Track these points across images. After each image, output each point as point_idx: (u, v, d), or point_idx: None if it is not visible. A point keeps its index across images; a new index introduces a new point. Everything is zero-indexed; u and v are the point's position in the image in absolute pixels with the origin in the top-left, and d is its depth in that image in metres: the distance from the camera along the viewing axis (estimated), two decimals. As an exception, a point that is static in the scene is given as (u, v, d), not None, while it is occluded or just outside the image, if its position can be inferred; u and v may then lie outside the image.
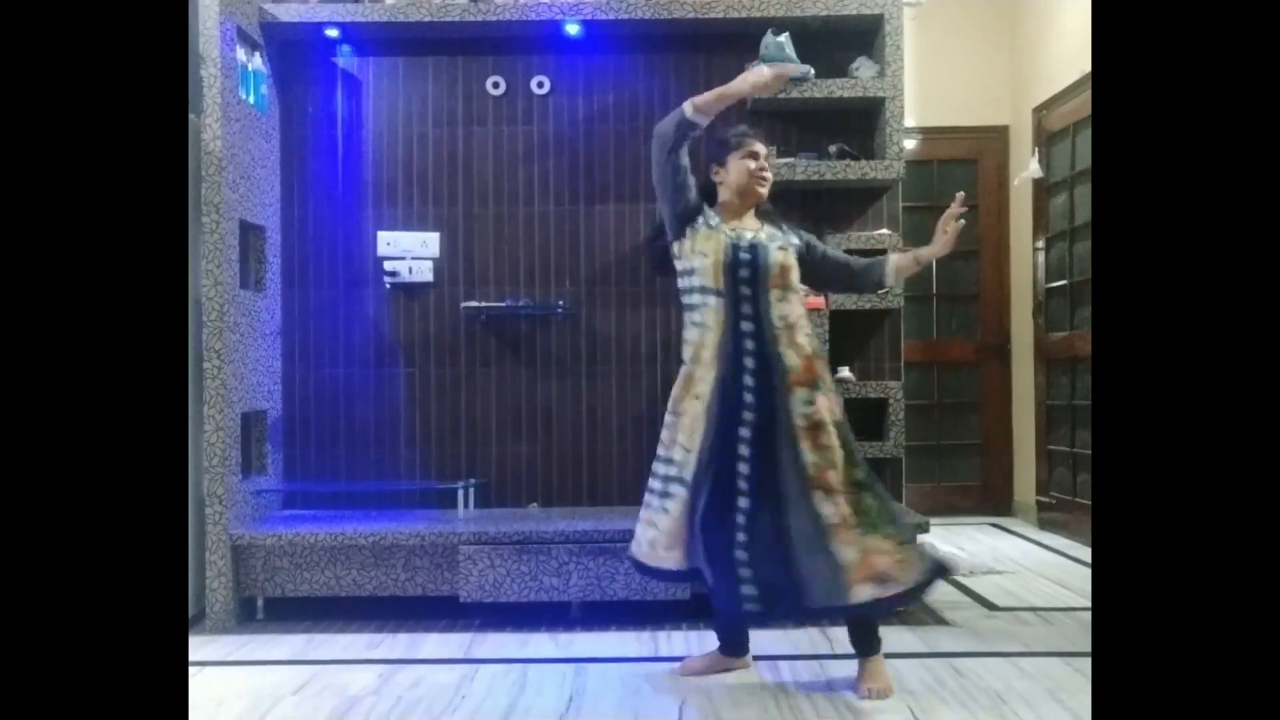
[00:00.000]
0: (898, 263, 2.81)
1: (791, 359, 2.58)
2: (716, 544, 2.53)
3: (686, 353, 2.69)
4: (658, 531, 2.66)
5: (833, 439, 2.55)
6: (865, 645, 2.65)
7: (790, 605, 2.54)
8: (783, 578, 2.49)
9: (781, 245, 2.67)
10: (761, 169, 2.71)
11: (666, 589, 3.26)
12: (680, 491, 2.62)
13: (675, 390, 2.68)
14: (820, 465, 2.52)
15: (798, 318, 2.64)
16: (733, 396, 2.57)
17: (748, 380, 2.57)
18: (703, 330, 2.64)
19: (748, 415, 2.56)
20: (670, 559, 2.65)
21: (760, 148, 2.73)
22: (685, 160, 2.69)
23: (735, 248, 2.62)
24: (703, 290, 2.64)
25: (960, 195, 2.80)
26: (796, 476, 2.51)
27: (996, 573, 4.08)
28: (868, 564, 2.47)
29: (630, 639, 3.15)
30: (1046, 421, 5.16)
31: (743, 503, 2.52)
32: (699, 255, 2.64)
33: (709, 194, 2.77)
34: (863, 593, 2.46)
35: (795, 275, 2.67)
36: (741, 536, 2.51)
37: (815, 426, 2.54)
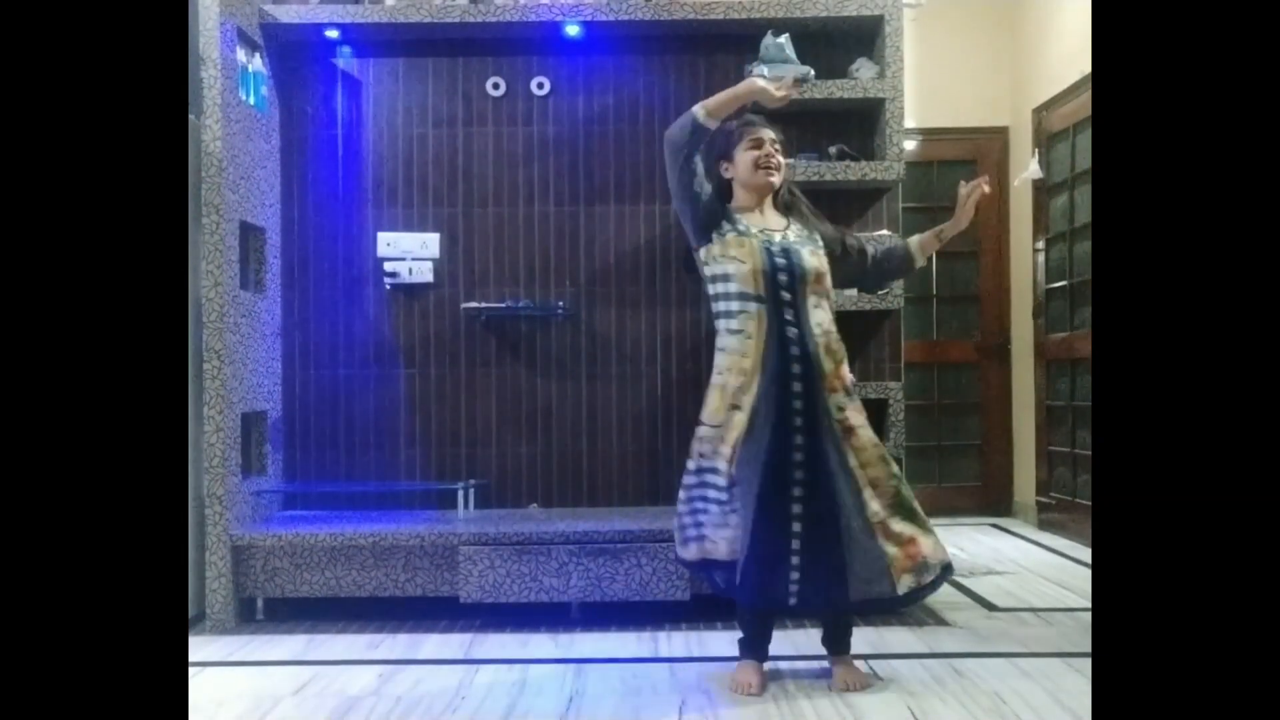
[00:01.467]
0: (922, 241, 2.84)
1: (828, 365, 2.59)
2: (767, 534, 2.53)
3: (723, 361, 2.62)
4: (729, 531, 2.62)
5: (864, 440, 2.59)
6: (842, 644, 2.72)
7: (826, 597, 2.58)
8: (827, 570, 2.54)
9: (814, 250, 2.64)
10: (767, 156, 2.64)
11: (668, 590, 3.27)
12: (735, 496, 2.59)
13: (712, 401, 2.62)
14: (864, 463, 2.57)
15: (830, 324, 2.64)
16: (783, 403, 2.54)
17: (796, 387, 2.55)
18: (742, 339, 2.59)
19: (798, 420, 2.55)
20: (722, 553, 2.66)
21: (765, 133, 2.66)
22: (699, 165, 2.64)
23: (769, 252, 2.59)
24: (741, 297, 2.59)
25: (984, 178, 2.87)
26: (847, 475, 2.55)
27: (996, 573, 4.08)
28: (909, 554, 2.57)
29: (630, 639, 3.15)
30: (1046, 422, 5.16)
31: (797, 506, 2.54)
32: (733, 261, 2.59)
33: (725, 193, 2.72)
34: (905, 583, 2.56)
35: (829, 280, 2.66)
36: (796, 527, 2.53)
37: (849, 430, 2.58)
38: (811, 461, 2.55)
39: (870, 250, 2.83)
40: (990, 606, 3.54)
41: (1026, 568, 4.21)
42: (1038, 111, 5.19)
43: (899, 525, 2.59)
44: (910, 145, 5.35)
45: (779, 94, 2.61)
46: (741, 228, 2.63)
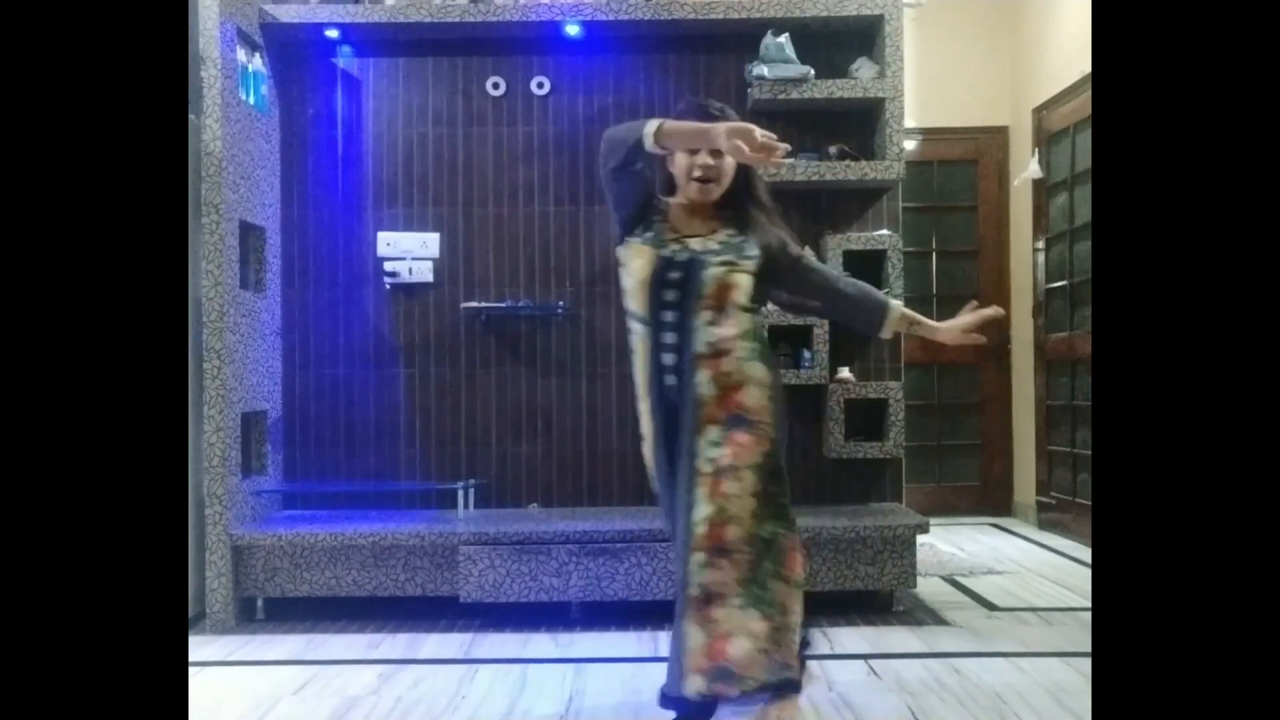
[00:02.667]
0: (901, 314, 2.36)
1: (707, 390, 2.19)
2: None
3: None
4: None
5: (740, 486, 2.13)
6: None
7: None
8: None
9: (727, 260, 2.22)
10: (704, 168, 2.24)
11: (668, 590, 3.27)
12: None
13: None
14: (714, 520, 2.11)
15: (735, 340, 2.20)
16: (669, 438, 2.25)
17: (671, 419, 2.25)
18: (636, 359, 2.30)
19: (680, 459, 2.23)
20: None
21: None
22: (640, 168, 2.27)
23: (667, 263, 2.22)
24: (631, 314, 2.29)
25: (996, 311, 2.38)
26: (686, 533, 2.15)
27: (996, 573, 4.08)
28: (710, 651, 2.09)
29: (630, 639, 3.15)
30: (1046, 421, 5.16)
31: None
32: (627, 274, 2.27)
33: (668, 183, 2.35)
34: (693, 684, 2.11)
35: (741, 295, 2.22)
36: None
37: (719, 473, 2.14)
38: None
39: (839, 285, 2.40)
40: (990, 606, 3.54)
41: (1026, 567, 4.21)
42: (1038, 111, 5.20)
43: (724, 611, 2.09)
44: (910, 145, 5.34)
45: (753, 155, 2.14)
46: (652, 233, 2.27)
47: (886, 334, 2.42)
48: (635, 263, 2.26)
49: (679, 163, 2.28)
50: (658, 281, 2.22)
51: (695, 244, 2.26)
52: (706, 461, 2.16)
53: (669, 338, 2.23)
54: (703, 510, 2.12)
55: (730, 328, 2.21)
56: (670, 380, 2.24)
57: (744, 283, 2.23)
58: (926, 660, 2.90)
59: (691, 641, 2.12)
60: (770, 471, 2.17)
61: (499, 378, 3.78)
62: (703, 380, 2.20)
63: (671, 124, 2.20)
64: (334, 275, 3.78)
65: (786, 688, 2.14)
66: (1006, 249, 5.61)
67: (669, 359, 2.24)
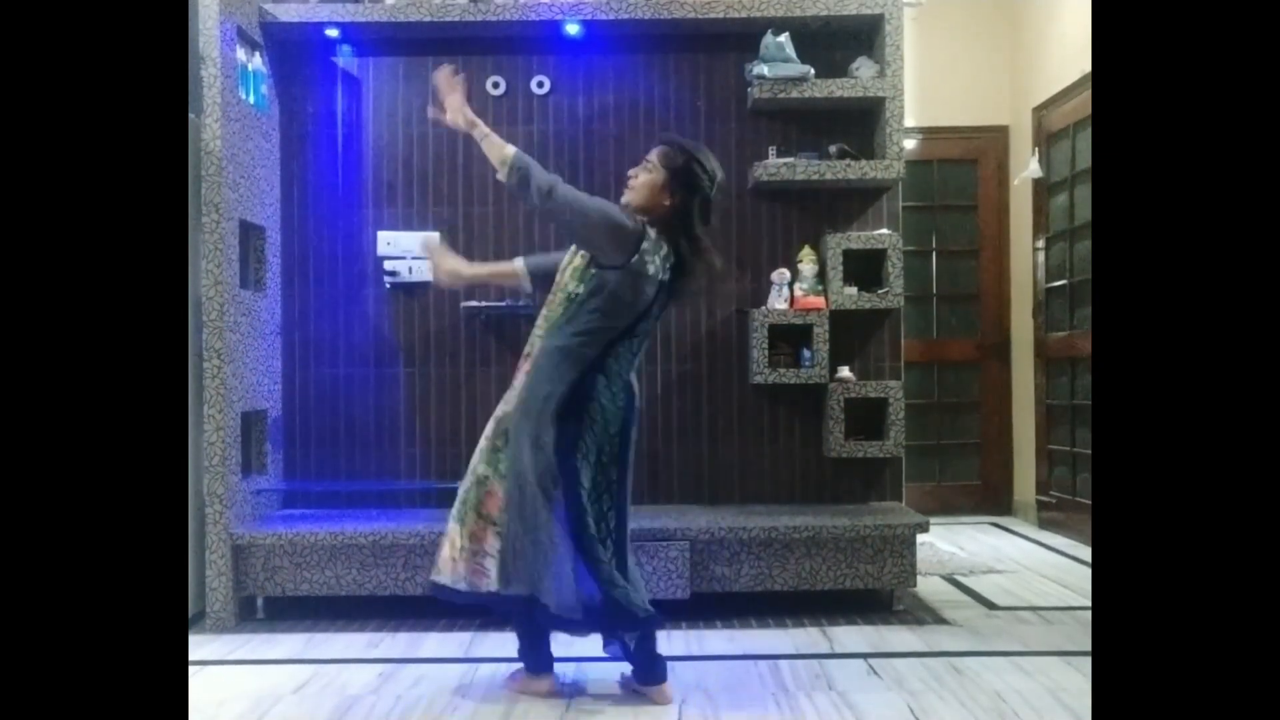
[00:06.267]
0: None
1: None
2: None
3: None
4: None
5: (484, 435, 2.78)
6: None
7: None
8: None
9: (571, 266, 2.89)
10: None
11: (668, 590, 3.27)
12: None
13: None
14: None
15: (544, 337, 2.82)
16: None
17: None
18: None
19: None
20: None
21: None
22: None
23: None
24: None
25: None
26: None
27: (996, 572, 4.08)
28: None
29: (630, 639, 3.14)
30: (1046, 421, 5.16)
31: None
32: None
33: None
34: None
35: (560, 295, 2.88)
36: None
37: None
38: None
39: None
40: (990, 605, 3.54)
41: (1026, 566, 4.21)
42: (1038, 111, 5.20)
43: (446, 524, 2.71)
44: (910, 144, 5.34)
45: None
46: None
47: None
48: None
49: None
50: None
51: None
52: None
53: None
54: None
55: (543, 324, 2.76)
56: None
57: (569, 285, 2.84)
58: (926, 659, 2.90)
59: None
60: (502, 429, 2.68)
61: (499, 378, 3.77)
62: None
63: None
64: (334, 275, 3.78)
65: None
66: (1006, 249, 5.61)
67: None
